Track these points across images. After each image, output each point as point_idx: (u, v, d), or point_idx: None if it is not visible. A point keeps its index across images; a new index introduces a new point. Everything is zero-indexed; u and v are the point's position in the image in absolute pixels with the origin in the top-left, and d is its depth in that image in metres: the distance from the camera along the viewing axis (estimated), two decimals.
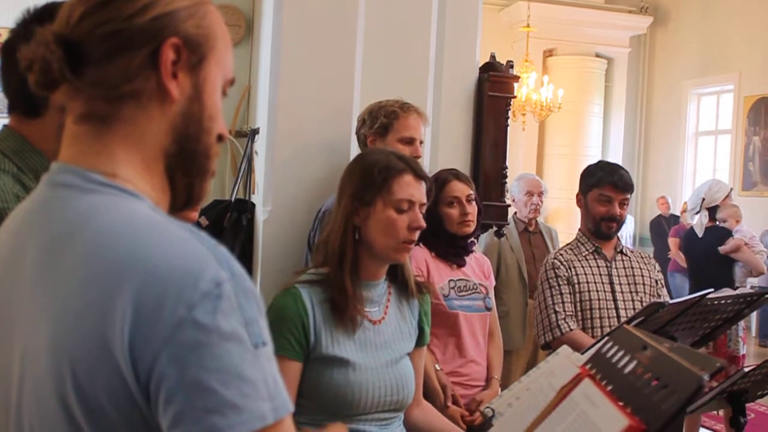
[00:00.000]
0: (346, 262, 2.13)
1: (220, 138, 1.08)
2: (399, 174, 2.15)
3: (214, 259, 0.89)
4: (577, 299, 3.24)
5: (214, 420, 0.83)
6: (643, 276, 3.36)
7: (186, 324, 0.85)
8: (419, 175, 2.19)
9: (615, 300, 3.26)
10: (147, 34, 0.98)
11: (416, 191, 2.16)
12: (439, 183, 2.96)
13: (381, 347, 2.18)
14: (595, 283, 3.27)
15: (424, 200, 2.19)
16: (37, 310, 0.93)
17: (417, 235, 2.17)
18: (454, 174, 3.10)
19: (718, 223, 5.81)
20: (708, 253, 5.80)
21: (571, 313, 3.22)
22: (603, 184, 3.31)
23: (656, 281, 3.39)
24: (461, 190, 3.04)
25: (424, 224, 2.17)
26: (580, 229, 3.44)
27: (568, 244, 3.43)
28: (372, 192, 2.14)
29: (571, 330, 3.17)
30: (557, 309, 3.22)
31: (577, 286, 3.25)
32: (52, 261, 0.94)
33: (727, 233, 5.79)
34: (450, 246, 3.07)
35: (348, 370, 2.09)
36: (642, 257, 3.47)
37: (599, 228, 3.33)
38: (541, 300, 3.29)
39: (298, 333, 2.07)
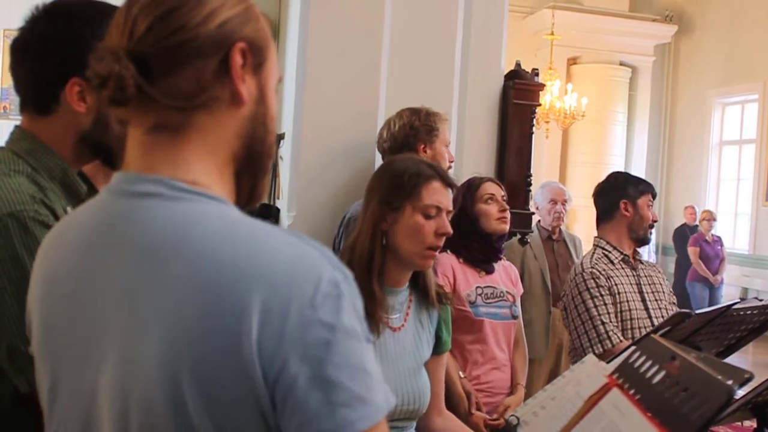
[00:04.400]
0: (375, 266, 2.15)
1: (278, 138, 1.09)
2: (428, 180, 2.17)
3: (327, 262, 0.93)
4: (617, 309, 3.20)
5: (346, 414, 0.88)
6: (661, 284, 3.37)
7: (313, 324, 0.88)
8: (447, 182, 2.22)
9: (647, 309, 3.23)
10: (215, 41, 0.98)
11: (444, 198, 2.19)
12: (473, 185, 3.09)
13: (400, 356, 2.18)
14: (627, 292, 3.24)
15: (451, 207, 2.22)
16: (140, 321, 0.93)
17: (443, 241, 2.19)
18: (488, 178, 3.19)
19: None
20: None
21: (616, 324, 3.17)
22: (649, 191, 3.39)
23: (669, 290, 3.41)
24: (496, 190, 3.11)
25: (450, 230, 2.19)
26: (602, 238, 3.39)
27: (594, 255, 3.36)
28: (401, 197, 2.16)
29: (621, 341, 3.11)
30: (604, 320, 3.15)
31: (617, 296, 3.21)
32: (156, 271, 0.93)
33: None
34: (482, 247, 3.06)
35: None
36: (652, 266, 3.47)
37: (647, 233, 3.38)
38: (583, 311, 3.21)
39: None
